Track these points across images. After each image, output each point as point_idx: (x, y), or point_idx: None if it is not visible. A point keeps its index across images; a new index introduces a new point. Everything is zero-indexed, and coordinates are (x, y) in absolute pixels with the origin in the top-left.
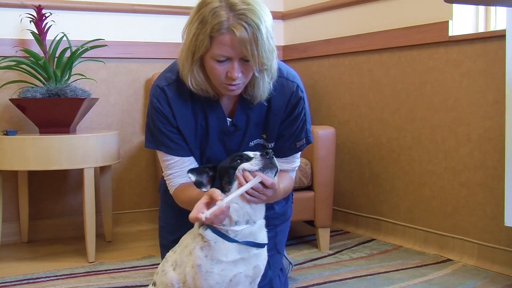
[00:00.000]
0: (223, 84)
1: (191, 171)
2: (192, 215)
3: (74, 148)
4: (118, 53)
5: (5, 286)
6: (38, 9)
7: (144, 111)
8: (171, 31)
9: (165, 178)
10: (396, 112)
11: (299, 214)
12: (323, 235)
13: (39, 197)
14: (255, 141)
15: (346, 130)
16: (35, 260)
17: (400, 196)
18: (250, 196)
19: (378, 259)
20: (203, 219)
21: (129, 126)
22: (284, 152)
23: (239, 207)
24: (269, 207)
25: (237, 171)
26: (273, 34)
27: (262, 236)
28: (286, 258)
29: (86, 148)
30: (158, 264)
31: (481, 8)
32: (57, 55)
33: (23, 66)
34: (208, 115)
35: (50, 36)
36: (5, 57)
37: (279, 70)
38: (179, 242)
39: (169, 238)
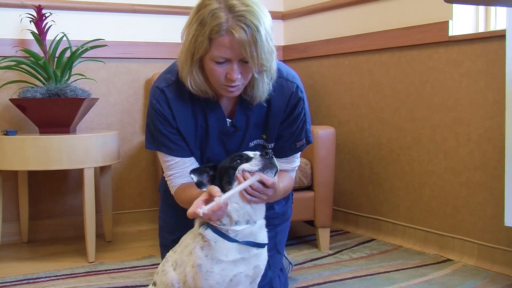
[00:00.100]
0: (222, 85)
1: (193, 171)
2: (190, 211)
3: (74, 148)
4: (118, 53)
5: (5, 286)
6: (38, 9)
7: (144, 111)
8: (171, 31)
9: (166, 179)
10: (396, 112)
11: (299, 214)
12: (323, 235)
13: (39, 197)
14: (255, 142)
15: (346, 130)
16: (35, 260)
17: (400, 196)
18: (251, 196)
19: (378, 259)
20: (201, 214)
21: (129, 126)
22: (284, 152)
23: (240, 207)
24: (269, 207)
25: (237, 172)
26: (272, 35)
27: (263, 236)
28: (286, 258)
29: (86, 148)
30: (158, 264)
31: (481, 8)
32: (57, 55)
33: (23, 66)
34: (208, 116)
35: (50, 36)
36: (5, 57)
37: (279, 70)
38: (179, 242)
39: (169, 238)
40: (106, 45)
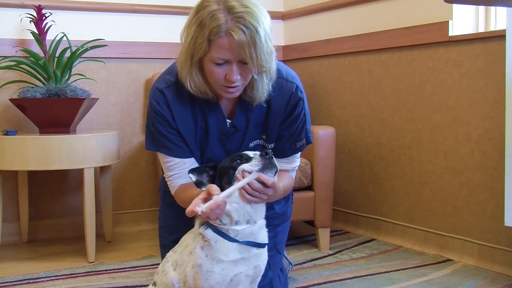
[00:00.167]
0: (221, 86)
1: (192, 171)
2: (188, 209)
3: (74, 148)
4: (118, 53)
5: (5, 286)
6: (38, 9)
7: (144, 111)
8: (171, 31)
9: (166, 180)
10: (396, 112)
11: (299, 214)
12: (323, 235)
13: (39, 197)
14: (255, 142)
15: (346, 130)
16: (35, 260)
17: (400, 196)
18: (251, 196)
19: (378, 259)
20: (199, 212)
21: (129, 126)
22: (285, 152)
23: (240, 207)
24: (269, 207)
25: (236, 172)
26: (272, 36)
27: (263, 236)
28: (286, 258)
29: (86, 148)
30: (158, 264)
31: (481, 8)
32: (57, 55)
33: (23, 66)
34: (208, 116)
35: (50, 36)
36: (5, 57)
37: (278, 70)
38: (179, 242)
39: (169, 238)
40: (106, 45)
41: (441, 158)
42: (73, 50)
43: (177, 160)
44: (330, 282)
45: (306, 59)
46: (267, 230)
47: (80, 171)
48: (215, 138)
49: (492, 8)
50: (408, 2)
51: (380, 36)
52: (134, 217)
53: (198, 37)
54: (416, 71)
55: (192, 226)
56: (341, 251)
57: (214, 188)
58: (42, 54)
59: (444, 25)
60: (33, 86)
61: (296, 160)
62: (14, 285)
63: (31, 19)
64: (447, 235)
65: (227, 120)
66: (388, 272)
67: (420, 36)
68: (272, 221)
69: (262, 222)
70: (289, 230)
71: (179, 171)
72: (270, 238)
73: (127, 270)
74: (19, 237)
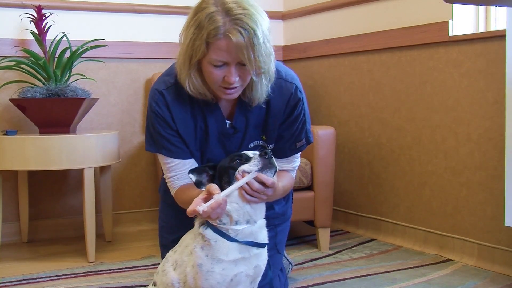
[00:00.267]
0: (220, 88)
1: (192, 171)
2: (189, 209)
3: (74, 148)
4: (118, 53)
5: (5, 286)
6: (38, 9)
7: (144, 111)
8: (171, 31)
9: (166, 181)
10: (396, 112)
11: (299, 214)
12: (323, 235)
13: (39, 197)
14: (254, 143)
15: (346, 130)
16: (35, 260)
17: (400, 196)
18: (251, 197)
19: (378, 259)
20: (200, 212)
21: (129, 126)
22: (285, 152)
23: (240, 207)
24: (269, 207)
25: (236, 173)
26: (270, 38)
27: (263, 236)
28: (286, 258)
29: (86, 148)
30: (158, 264)
31: (481, 8)
32: (57, 55)
33: (23, 66)
34: (207, 117)
35: (50, 36)
36: (5, 57)
37: (278, 71)
38: (179, 242)
39: (169, 238)
40: (106, 45)
41: (441, 158)
42: (73, 50)
43: (177, 161)
44: (330, 282)
45: (306, 59)
46: (267, 230)
47: (80, 171)
48: (214, 139)
49: (492, 8)
50: (408, 2)
51: (380, 36)
52: (134, 217)
53: (196, 39)
54: (416, 71)
55: (192, 226)
56: (341, 251)
57: (214, 187)
58: (42, 54)
59: (444, 25)
60: (33, 86)
61: (296, 160)
62: (14, 285)
63: (31, 19)
64: (447, 235)
65: (227, 121)
66: (388, 272)
67: (420, 36)
68: (272, 221)
69: (262, 222)
70: (289, 230)
71: (179, 172)
72: (270, 238)
73: (127, 270)
74: (19, 237)
